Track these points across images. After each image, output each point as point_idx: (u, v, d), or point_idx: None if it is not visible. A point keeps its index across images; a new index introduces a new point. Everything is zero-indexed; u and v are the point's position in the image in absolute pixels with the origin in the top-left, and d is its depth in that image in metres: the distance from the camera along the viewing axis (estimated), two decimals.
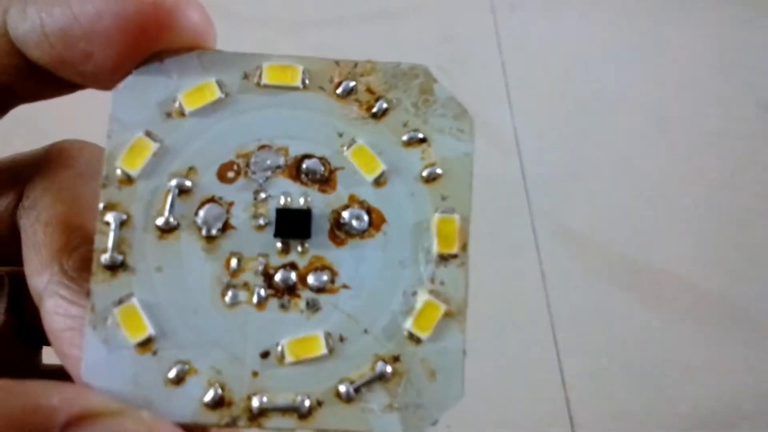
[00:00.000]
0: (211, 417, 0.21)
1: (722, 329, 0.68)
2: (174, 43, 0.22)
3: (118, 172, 0.22)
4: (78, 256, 0.23)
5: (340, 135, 0.23)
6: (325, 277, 0.22)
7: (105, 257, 0.21)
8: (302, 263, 0.22)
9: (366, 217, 0.22)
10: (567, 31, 0.83)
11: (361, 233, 0.22)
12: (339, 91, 0.23)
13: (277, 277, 0.22)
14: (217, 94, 0.22)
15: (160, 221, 0.22)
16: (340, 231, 0.22)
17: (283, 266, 0.22)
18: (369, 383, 0.21)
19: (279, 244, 0.22)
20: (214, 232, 0.22)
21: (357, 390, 0.21)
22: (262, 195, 0.22)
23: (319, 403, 0.21)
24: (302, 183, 0.22)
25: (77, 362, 0.21)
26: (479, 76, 0.79)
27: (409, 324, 0.22)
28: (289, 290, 0.22)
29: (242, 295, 0.22)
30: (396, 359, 0.21)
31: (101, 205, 0.22)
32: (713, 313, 0.69)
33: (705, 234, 0.72)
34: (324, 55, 0.23)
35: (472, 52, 0.80)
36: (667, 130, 0.77)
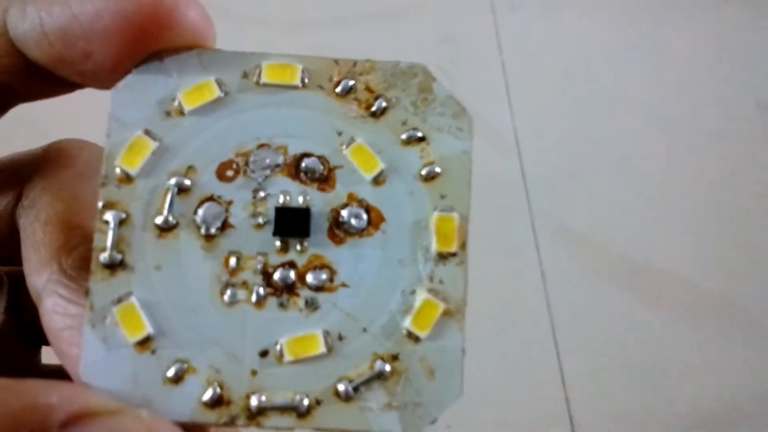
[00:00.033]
0: (209, 416, 0.21)
1: (722, 329, 0.68)
2: (173, 42, 0.22)
3: (118, 170, 0.22)
4: (77, 255, 0.23)
5: (339, 134, 0.23)
6: (323, 276, 0.22)
7: (104, 256, 0.21)
8: (301, 262, 0.22)
9: (365, 216, 0.22)
10: (567, 31, 0.83)
11: (360, 232, 0.22)
12: (338, 89, 0.23)
13: (276, 275, 0.22)
14: (217, 93, 0.22)
15: (159, 220, 0.22)
16: (339, 230, 0.22)
17: (282, 265, 0.22)
18: (368, 382, 0.21)
19: (278, 243, 0.22)
20: (213, 230, 0.22)
21: (356, 389, 0.21)
22: (261, 194, 0.22)
23: (318, 402, 0.21)
24: (301, 182, 0.22)
25: (76, 361, 0.21)
26: (479, 76, 0.79)
27: (407, 323, 0.22)
28: (288, 289, 0.22)
29: (241, 293, 0.22)
30: (395, 358, 0.21)
31: (100, 204, 0.22)
32: (713, 313, 0.69)
33: (705, 234, 0.72)
34: (324, 54, 0.23)
35: (472, 52, 0.80)
36: (667, 130, 0.77)
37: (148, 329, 0.21)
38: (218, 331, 0.21)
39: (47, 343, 0.23)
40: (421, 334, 0.22)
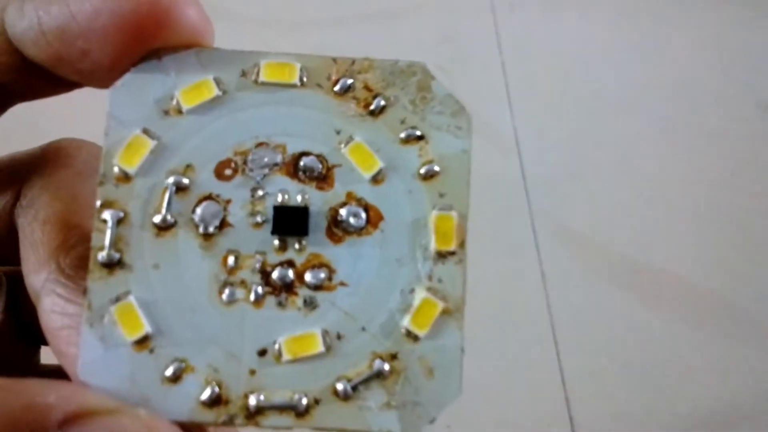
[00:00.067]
0: (208, 415, 0.21)
1: (722, 329, 0.68)
2: (172, 41, 0.22)
3: (116, 169, 0.22)
4: (75, 254, 0.23)
5: (338, 132, 0.23)
6: (322, 275, 0.22)
7: (102, 255, 0.21)
8: (300, 261, 0.22)
9: (363, 215, 0.22)
10: (567, 31, 0.83)
11: (359, 231, 0.22)
12: (336, 88, 0.23)
13: (275, 274, 0.22)
14: (215, 91, 0.22)
15: (157, 219, 0.22)
16: (337, 228, 0.22)
17: (281, 264, 0.22)
18: (366, 381, 0.21)
19: (276, 242, 0.22)
20: (211, 229, 0.22)
21: (354, 388, 0.21)
22: (260, 192, 0.22)
23: (317, 402, 0.21)
24: (300, 180, 0.22)
25: (74, 360, 0.21)
26: (479, 76, 0.79)
27: (406, 321, 0.22)
28: (287, 288, 0.22)
29: (239, 292, 0.22)
30: (394, 357, 0.21)
31: (98, 203, 0.22)
32: (713, 313, 0.68)
33: (705, 234, 0.72)
34: (324, 54, 0.23)
35: (472, 52, 0.80)
36: (667, 130, 0.77)
37: (146, 328, 0.21)
38: (216, 330, 0.21)
39: (46, 343, 0.23)
40: (420, 333, 0.22)
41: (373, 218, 0.22)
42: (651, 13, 0.84)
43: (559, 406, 0.63)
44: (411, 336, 0.22)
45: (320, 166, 0.22)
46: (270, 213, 0.22)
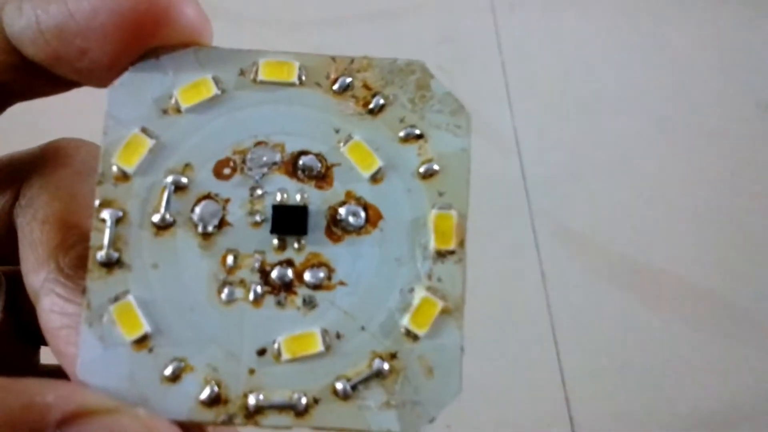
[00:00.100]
0: (207, 415, 0.21)
1: (722, 329, 0.68)
2: (170, 40, 0.22)
3: (114, 168, 0.22)
4: (74, 253, 0.23)
5: (337, 131, 0.22)
6: (321, 274, 0.22)
7: (101, 254, 0.21)
8: (299, 260, 0.22)
9: (363, 214, 0.22)
10: (567, 31, 0.83)
11: (358, 230, 0.22)
12: (335, 87, 0.23)
13: (274, 274, 0.22)
14: (213, 90, 0.22)
15: (156, 218, 0.22)
16: (336, 227, 0.22)
17: (280, 263, 0.22)
18: (366, 380, 0.21)
19: (275, 241, 0.22)
20: (210, 228, 0.22)
21: (354, 387, 0.21)
22: (259, 191, 0.22)
23: (316, 401, 0.21)
24: (299, 179, 0.22)
25: (73, 360, 0.21)
26: (479, 76, 0.79)
27: (406, 321, 0.22)
28: (286, 287, 0.22)
29: (239, 292, 0.22)
30: (393, 356, 0.21)
31: (97, 202, 0.22)
32: (713, 313, 0.68)
33: (705, 234, 0.72)
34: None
35: (472, 52, 0.80)
36: (667, 130, 0.77)
37: (145, 328, 0.21)
38: (216, 329, 0.21)
39: (46, 343, 0.23)
40: (420, 332, 0.21)
41: (373, 217, 0.22)
42: (651, 13, 0.84)
43: (559, 406, 0.63)
44: (410, 335, 0.21)
45: (319, 165, 0.22)
46: (269, 212, 0.22)
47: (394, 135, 0.22)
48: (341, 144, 0.22)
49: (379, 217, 0.22)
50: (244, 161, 0.22)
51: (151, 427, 0.20)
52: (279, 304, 0.22)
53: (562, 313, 0.67)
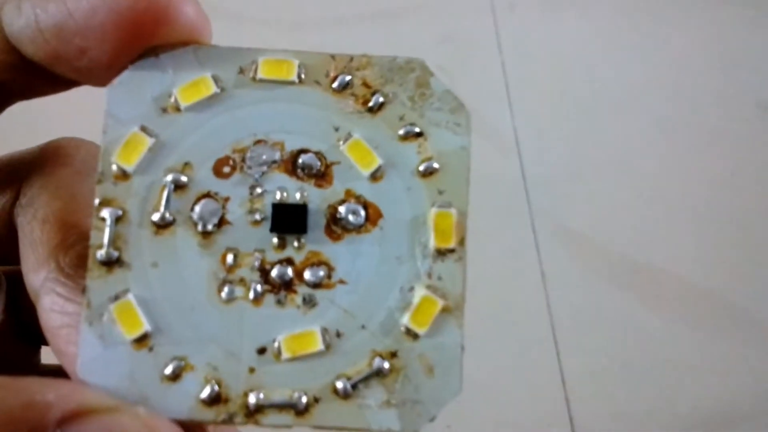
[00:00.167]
0: (207, 414, 0.21)
1: (722, 329, 0.67)
2: (169, 38, 0.22)
3: (114, 167, 0.22)
4: (74, 253, 0.23)
5: (336, 129, 0.22)
6: (321, 273, 0.22)
7: (101, 253, 0.21)
8: (299, 258, 0.22)
9: (362, 212, 0.22)
10: (567, 31, 0.83)
11: (358, 228, 0.22)
12: (335, 85, 0.23)
13: (274, 272, 0.22)
14: (213, 88, 0.22)
15: (155, 217, 0.22)
16: (336, 226, 0.22)
17: (280, 262, 0.22)
18: (366, 379, 0.21)
19: (275, 240, 0.22)
20: (209, 227, 0.22)
21: (354, 386, 0.21)
22: (258, 190, 0.22)
23: (316, 400, 0.21)
24: (298, 178, 0.22)
25: (73, 359, 0.21)
26: (479, 76, 0.79)
27: (406, 319, 0.22)
28: (286, 286, 0.22)
29: (238, 290, 0.22)
30: (393, 355, 0.21)
31: (97, 201, 0.22)
32: (713, 313, 0.68)
33: (705, 234, 0.72)
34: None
35: (472, 52, 0.80)
36: (667, 130, 0.77)
37: (145, 326, 0.21)
38: (216, 328, 0.21)
39: (46, 343, 0.23)
40: (420, 330, 0.21)
41: (372, 216, 0.22)
42: (651, 13, 0.84)
43: (559, 406, 0.63)
44: (411, 334, 0.21)
45: (319, 163, 0.22)
46: (269, 211, 0.22)
47: (393, 133, 0.22)
48: (341, 142, 0.22)
49: (379, 215, 0.22)
50: (243, 160, 0.22)
51: (152, 426, 0.20)
52: (279, 302, 0.22)
53: (562, 313, 0.67)
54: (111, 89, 0.22)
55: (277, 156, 0.22)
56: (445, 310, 0.22)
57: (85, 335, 0.21)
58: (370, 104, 0.23)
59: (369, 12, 0.81)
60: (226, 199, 0.22)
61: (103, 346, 0.21)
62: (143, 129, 0.22)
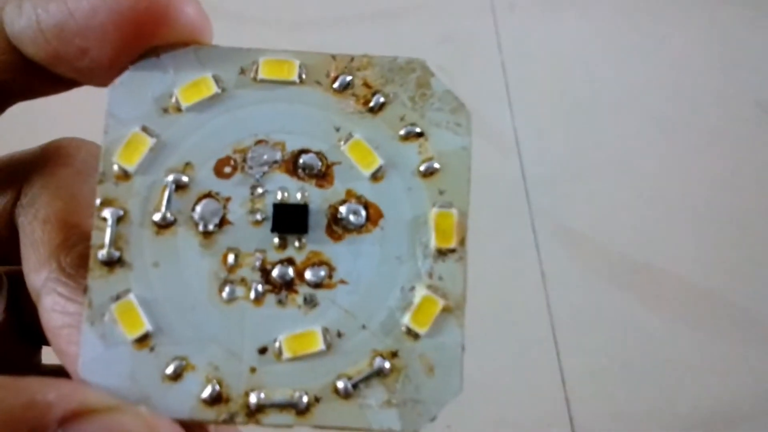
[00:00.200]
0: (208, 413, 0.21)
1: (722, 329, 0.67)
2: (170, 39, 0.22)
3: (115, 167, 0.22)
4: (76, 253, 0.23)
5: (337, 129, 0.23)
6: (322, 273, 0.22)
7: (102, 253, 0.21)
8: (299, 258, 0.22)
9: (363, 212, 0.22)
10: (567, 31, 0.83)
11: (359, 228, 0.22)
12: (336, 85, 0.23)
13: (275, 272, 0.22)
14: (214, 89, 0.22)
15: (156, 217, 0.22)
16: (337, 226, 0.22)
17: (281, 261, 0.22)
18: (367, 379, 0.21)
19: (276, 240, 0.22)
20: (211, 227, 0.22)
21: (355, 386, 0.21)
22: (259, 190, 0.22)
23: (317, 400, 0.21)
24: (299, 178, 0.22)
25: (75, 359, 0.21)
26: (479, 76, 0.79)
27: (407, 319, 0.22)
28: (287, 286, 0.22)
29: (239, 290, 0.22)
30: (394, 355, 0.21)
31: (98, 201, 0.22)
32: (713, 313, 0.68)
33: (705, 234, 0.72)
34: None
35: (472, 52, 0.80)
36: (667, 130, 0.77)
37: (146, 326, 0.21)
38: (217, 328, 0.21)
39: (47, 343, 0.23)
40: (421, 330, 0.21)
41: (373, 216, 0.22)
42: (651, 13, 0.84)
43: (559, 406, 0.63)
44: (411, 334, 0.21)
45: (320, 163, 0.22)
46: (270, 211, 0.22)
47: (394, 133, 0.22)
48: (342, 142, 0.22)
49: (380, 215, 0.22)
50: (244, 160, 0.22)
51: (153, 425, 0.20)
52: (280, 302, 0.22)
53: (562, 313, 0.67)
54: (112, 89, 0.22)
55: (278, 156, 0.22)
56: (445, 310, 0.22)
57: (87, 335, 0.21)
58: (371, 104, 0.23)
59: (369, 12, 0.81)
60: (227, 199, 0.22)
61: (105, 346, 0.21)
62: (144, 129, 0.22)
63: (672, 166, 0.75)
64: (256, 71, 0.23)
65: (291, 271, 0.22)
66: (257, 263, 0.22)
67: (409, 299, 0.22)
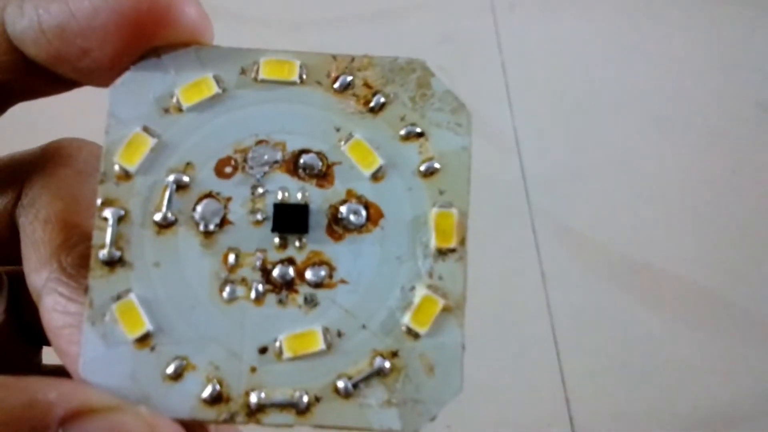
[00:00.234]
0: (209, 413, 0.21)
1: (722, 329, 0.67)
2: (171, 39, 0.22)
3: (116, 167, 0.22)
4: (77, 253, 0.23)
5: (338, 130, 0.23)
6: (322, 272, 0.22)
7: (103, 253, 0.21)
8: (300, 258, 0.22)
9: (363, 212, 0.22)
10: (567, 31, 0.83)
11: (359, 228, 0.22)
12: (336, 85, 0.23)
13: (275, 272, 0.22)
14: (215, 89, 0.22)
15: (157, 217, 0.22)
16: (337, 226, 0.22)
17: (281, 261, 0.22)
18: (367, 379, 0.21)
19: (277, 240, 0.22)
20: (211, 227, 0.22)
21: (355, 386, 0.21)
22: (260, 190, 0.22)
23: (317, 399, 0.21)
24: (300, 178, 0.22)
25: (76, 359, 0.21)
26: (479, 76, 0.79)
27: (407, 319, 0.22)
28: (287, 285, 0.22)
29: (240, 290, 0.22)
30: (394, 354, 0.21)
31: (99, 201, 0.22)
32: (713, 313, 0.68)
33: (705, 234, 0.72)
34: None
35: (472, 52, 0.80)
36: (667, 130, 0.77)
37: (147, 326, 0.21)
38: (217, 328, 0.21)
39: (48, 343, 0.23)
40: (421, 330, 0.22)
41: (374, 216, 0.22)
42: (651, 13, 0.84)
43: (559, 406, 0.63)
44: (411, 333, 0.22)
45: (320, 163, 0.22)
46: (270, 211, 0.22)
47: (394, 133, 0.23)
48: (342, 142, 0.22)
49: (380, 215, 0.22)
50: (245, 160, 0.22)
51: (153, 425, 0.20)
52: (280, 302, 0.22)
53: (562, 313, 0.67)
54: (113, 90, 0.22)
55: (278, 156, 0.22)
56: (445, 310, 0.22)
57: (88, 335, 0.21)
58: (372, 105, 0.23)
59: (369, 12, 0.81)
60: (228, 199, 0.22)
61: (106, 346, 0.21)
62: (145, 129, 0.22)
63: (672, 166, 0.75)
64: (257, 71, 0.23)
65: (291, 271, 0.22)
66: (258, 263, 0.22)
67: (410, 299, 0.22)
